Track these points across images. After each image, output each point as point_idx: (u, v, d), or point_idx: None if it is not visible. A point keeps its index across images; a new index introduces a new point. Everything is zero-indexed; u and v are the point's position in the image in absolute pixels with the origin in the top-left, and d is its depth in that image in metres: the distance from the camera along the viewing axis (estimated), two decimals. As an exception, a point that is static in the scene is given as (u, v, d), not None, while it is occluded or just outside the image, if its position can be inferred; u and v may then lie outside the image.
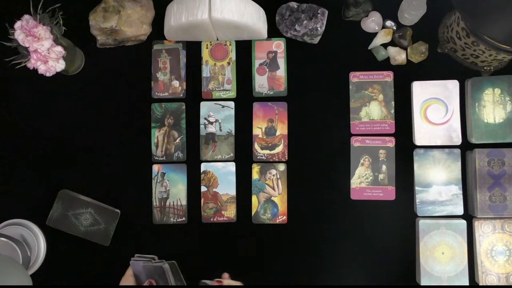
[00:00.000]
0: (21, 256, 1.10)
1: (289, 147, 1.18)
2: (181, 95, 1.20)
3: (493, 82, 1.14)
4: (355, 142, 1.18)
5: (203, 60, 1.21)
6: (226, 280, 1.03)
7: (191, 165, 1.19)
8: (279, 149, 1.18)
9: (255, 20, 1.13)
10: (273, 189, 1.18)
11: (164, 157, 1.19)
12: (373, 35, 1.19)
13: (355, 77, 1.19)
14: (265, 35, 1.19)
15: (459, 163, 1.14)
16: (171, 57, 1.21)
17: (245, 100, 1.20)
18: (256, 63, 1.21)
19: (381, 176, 1.17)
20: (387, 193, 1.17)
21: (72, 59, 1.15)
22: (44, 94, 1.20)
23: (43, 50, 1.02)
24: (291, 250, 1.17)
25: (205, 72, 1.21)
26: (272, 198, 1.18)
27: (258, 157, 1.18)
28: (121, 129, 1.20)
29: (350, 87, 1.19)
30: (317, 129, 1.19)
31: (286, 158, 1.18)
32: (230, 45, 1.21)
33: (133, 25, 1.17)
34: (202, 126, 1.19)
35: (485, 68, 1.15)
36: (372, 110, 1.18)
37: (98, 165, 1.19)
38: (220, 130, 1.19)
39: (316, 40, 1.18)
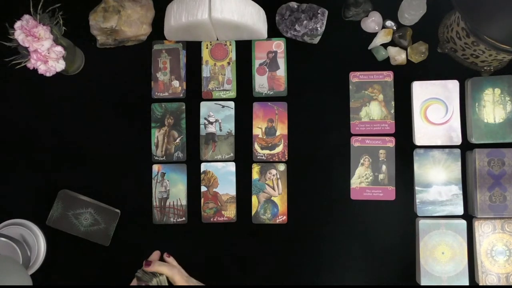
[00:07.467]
0: (21, 256, 1.10)
1: (289, 147, 1.18)
2: (181, 95, 1.20)
3: (493, 82, 1.14)
4: (355, 142, 1.18)
5: (203, 60, 1.21)
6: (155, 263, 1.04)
7: (191, 165, 1.19)
8: (279, 149, 1.18)
9: (255, 20, 1.13)
10: (273, 189, 1.18)
11: (164, 157, 1.19)
12: (373, 35, 1.19)
13: (355, 77, 1.19)
14: (265, 35, 1.19)
15: (459, 163, 1.14)
16: (171, 57, 1.21)
17: (245, 100, 1.20)
18: (256, 63, 1.21)
19: (381, 176, 1.17)
20: (387, 193, 1.17)
21: (72, 59, 1.15)
22: (44, 94, 1.20)
23: (43, 50, 1.02)
24: (291, 250, 1.17)
25: (205, 72, 1.21)
26: (272, 198, 1.18)
27: (258, 157, 1.18)
28: (121, 129, 1.20)
29: (350, 87, 1.19)
30: (317, 129, 1.19)
31: (286, 158, 1.18)
32: (230, 45, 1.21)
33: (133, 25, 1.17)
34: (202, 126, 1.19)
35: (485, 68, 1.15)
36: (372, 110, 1.18)
37: (98, 165, 1.19)
38: (220, 130, 1.19)
39: (316, 40, 1.18)
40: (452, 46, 1.15)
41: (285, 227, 1.17)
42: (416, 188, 1.14)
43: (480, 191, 1.12)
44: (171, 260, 1.09)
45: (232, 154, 1.19)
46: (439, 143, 1.15)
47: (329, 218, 1.17)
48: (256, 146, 1.19)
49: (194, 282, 1.05)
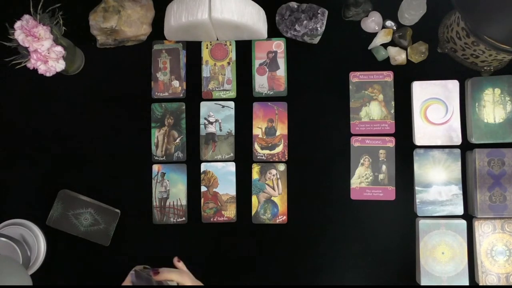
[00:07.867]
0: (21, 256, 1.10)
1: (289, 147, 1.18)
2: (181, 95, 1.20)
3: (493, 82, 1.14)
4: (355, 142, 1.18)
5: (203, 60, 1.21)
6: (166, 269, 0.92)
7: (191, 165, 1.19)
8: (279, 149, 1.18)
9: (255, 20, 1.13)
10: (273, 189, 1.18)
11: (164, 157, 1.19)
12: (373, 35, 1.19)
13: (355, 77, 1.19)
14: (265, 35, 1.19)
15: (459, 163, 1.14)
16: (171, 57, 1.21)
17: (245, 100, 1.20)
18: (256, 63, 1.21)
19: (381, 176, 1.17)
20: (387, 193, 1.17)
21: (72, 59, 1.15)
22: (44, 94, 1.20)
23: (43, 50, 1.02)
24: (291, 250, 1.17)
25: (205, 72, 1.21)
26: (272, 198, 1.18)
27: (258, 157, 1.18)
28: (121, 129, 1.20)
29: (350, 87, 1.19)
30: (317, 129, 1.19)
31: (286, 158, 1.18)
32: (230, 45, 1.21)
33: (133, 25, 1.17)
34: (202, 126, 1.19)
35: (485, 68, 1.15)
36: (372, 110, 1.18)
37: (98, 165, 1.19)
38: (220, 130, 1.19)
39: (316, 40, 1.18)
40: (452, 46, 1.15)
41: (285, 227, 1.17)
42: (416, 188, 1.14)
43: (480, 191, 1.12)
44: (181, 265, 1.00)
45: (232, 154, 1.19)
46: (439, 143, 1.15)
47: (329, 218, 1.17)
48: (256, 146, 1.19)
49: (200, 284, 1.01)
